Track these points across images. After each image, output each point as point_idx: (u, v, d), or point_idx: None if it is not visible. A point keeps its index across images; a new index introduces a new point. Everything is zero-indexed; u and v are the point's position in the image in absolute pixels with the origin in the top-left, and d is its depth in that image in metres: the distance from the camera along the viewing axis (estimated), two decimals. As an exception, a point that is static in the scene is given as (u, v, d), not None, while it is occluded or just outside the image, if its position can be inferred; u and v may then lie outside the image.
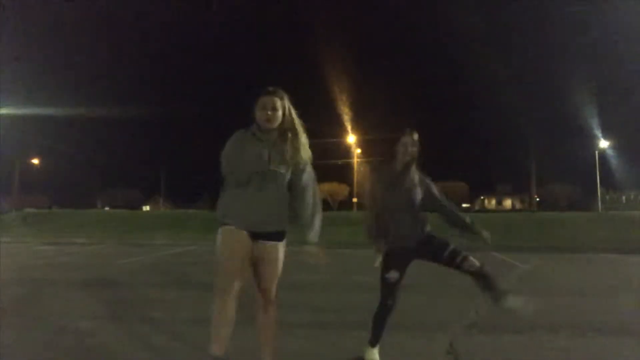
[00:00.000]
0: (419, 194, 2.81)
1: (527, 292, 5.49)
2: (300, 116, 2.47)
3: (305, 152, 2.42)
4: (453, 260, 2.72)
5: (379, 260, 2.78)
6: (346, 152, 42.91)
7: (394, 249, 2.78)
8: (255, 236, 2.30)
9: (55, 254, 10.15)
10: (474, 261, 2.72)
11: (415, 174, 2.84)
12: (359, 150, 41.81)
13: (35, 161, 47.12)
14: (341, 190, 53.27)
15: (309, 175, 2.46)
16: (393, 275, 2.73)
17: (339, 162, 43.39)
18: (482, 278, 2.77)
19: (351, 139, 40.93)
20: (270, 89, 2.38)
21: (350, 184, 45.87)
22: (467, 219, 2.85)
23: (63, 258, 9.43)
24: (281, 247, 2.39)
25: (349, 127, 41.43)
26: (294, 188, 2.41)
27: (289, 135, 2.38)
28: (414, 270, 2.91)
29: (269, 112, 2.33)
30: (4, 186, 39.44)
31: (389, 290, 2.76)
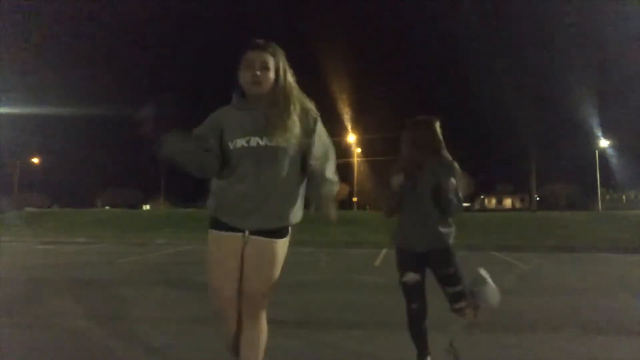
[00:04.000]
0: (427, 192, 2.45)
1: (527, 292, 5.51)
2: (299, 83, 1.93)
3: (309, 120, 1.89)
4: (452, 301, 2.52)
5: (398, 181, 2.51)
6: (346, 151, 42.94)
7: (402, 250, 2.57)
8: (252, 232, 1.84)
9: (55, 253, 10.15)
10: (470, 313, 2.54)
11: (429, 169, 2.49)
12: (359, 150, 41.84)
13: (35, 160, 47.16)
14: (341, 189, 53.17)
15: (320, 147, 1.91)
16: (410, 277, 2.51)
17: (339, 161, 43.35)
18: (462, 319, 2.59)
19: (351, 138, 40.97)
20: (260, 41, 1.83)
21: (351, 184, 45.88)
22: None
23: (63, 257, 9.43)
24: (280, 246, 1.88)
25: (349, 126, 41.48)
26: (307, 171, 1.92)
27: (284, 103, 1.82)
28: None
29: (258, 72, 1.79)
30: (4, 185, 39.46)
31: (409, 294, 2.54)
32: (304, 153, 1.89)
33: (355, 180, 41.08)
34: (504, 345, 3.22)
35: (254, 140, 1.80)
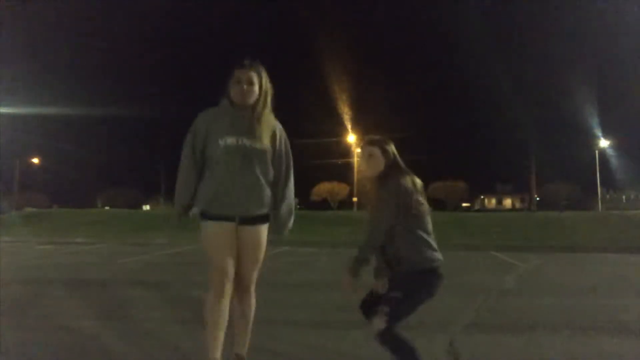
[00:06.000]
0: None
1: (527, 292, 5.52)
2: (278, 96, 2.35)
3: (270, 133, 2.30)
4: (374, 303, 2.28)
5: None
6: (346, 151, 43.00)
7: None
8: (240, 221, 2.23)
9: (55, 254, 10.15)
10: (379, 326, 2.11)
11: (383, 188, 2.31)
12: (359, 150, 41.84)
13: (35, 160, 47.19)
14: (341, 189, 53.20)
15: (286, 159, 2.39)
16: None
17: (339, 161, 43.43)
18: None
19: (351, 138, 40.99)
20: (247, 62, 2.26)
21: (350, 184, 45.90)
22: None
23: (63, 257, 9.43)
24: (265, 231, 2.32)
25: (349, 126, 41.52)
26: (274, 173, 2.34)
27: (265, 115, 2.29)
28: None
29: (245, 87, 2.22)
30: (4, 186, 39.44)
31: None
32: (272, 156, 2.34)
33: (355, 180, 41.09)
34: (504, 345, 3.22)
35: (242, 140, 2.20)
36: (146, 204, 62.29)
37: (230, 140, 2.18)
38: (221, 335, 2.19)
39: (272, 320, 3.87)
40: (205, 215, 2.22)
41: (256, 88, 2.25)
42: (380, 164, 2.39)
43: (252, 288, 2.34)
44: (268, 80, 2.31)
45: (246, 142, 2.19)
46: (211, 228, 2.21)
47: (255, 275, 2.32)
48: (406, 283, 2.25)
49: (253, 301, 2.36)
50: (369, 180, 2.42)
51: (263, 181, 2.25)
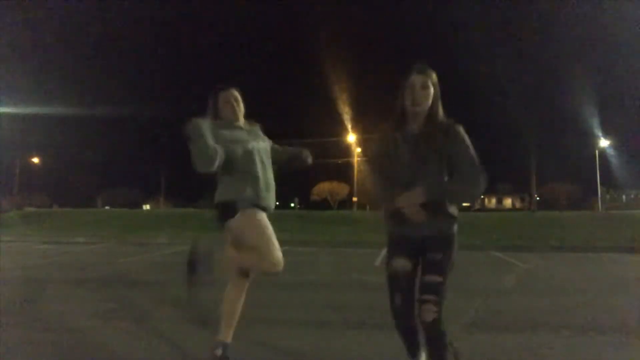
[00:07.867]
0: (437, 160, 2.00)
1: (527, 292, 5.52)
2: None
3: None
4: (420, 291, 2.00)
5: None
6: (346, 151, 42.99)
7: (393, 234, 2.13)
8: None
9: (55, 253, 10.15)
10: (433, 311, 1.94)
11: (434, 131, 2.01)
12: (359, 149, 41.86)
13: (36, 160, 47.23)
14: (341, 189, 53.33)
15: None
16: (398, 262, 2.05)
17: (339, 161, 43.43)
18: (428, 336, 2.04)
19: (351, 137, 40.98)
20: (224, 86, 2.70)
21: (351, 183, 45.93)
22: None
23: (63, 257, 9.43)
24: None
25: (349, 126, 41.49)
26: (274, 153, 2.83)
27: (252, 122, 2.80)
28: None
29: (234, 103, 2.65)
30: (5, 185, 39.40)
31: (393, 284, 2.08)
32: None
33: (355, 180, 41.09)
34: (504, 345, 3.22)
35: (251, 145, 2.58)
36: (146, 203, 62.33)
37: (251, 145, 2.56)
38: (234, 321, 2.65)
39: (272, 320, 3.87)
40: (258, 207, 2.52)
41: (242, 105, 2.71)
42: (430, 98, 2.03)
43: None
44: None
45: (255, 145, 2.59)
46: (265, 219, 2.53)
47: None
48: (446, 263, 1.99)
49: None
50: (412, 118, 2.04)
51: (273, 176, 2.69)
